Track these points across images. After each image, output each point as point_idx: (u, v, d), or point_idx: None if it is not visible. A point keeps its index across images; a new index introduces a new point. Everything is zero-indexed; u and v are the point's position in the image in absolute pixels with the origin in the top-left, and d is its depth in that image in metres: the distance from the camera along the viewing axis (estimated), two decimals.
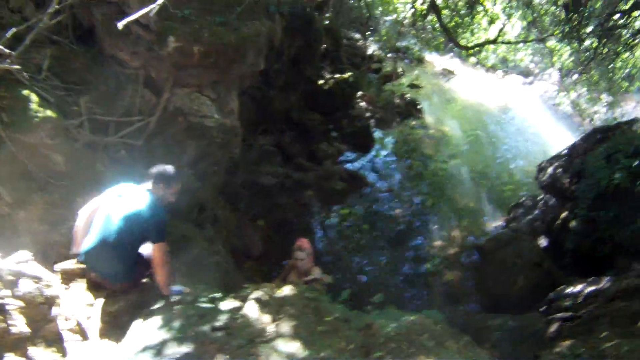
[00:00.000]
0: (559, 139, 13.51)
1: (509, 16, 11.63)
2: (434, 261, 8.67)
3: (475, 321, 6.41)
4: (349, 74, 12.93)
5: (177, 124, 6.15)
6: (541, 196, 9.49)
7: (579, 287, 6.11)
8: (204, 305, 3.76)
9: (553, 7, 10.59)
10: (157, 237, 3.79)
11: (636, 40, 9.26)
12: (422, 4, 11.68)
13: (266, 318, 3.45)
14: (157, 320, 3.51)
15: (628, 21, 8.58)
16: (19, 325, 3.20)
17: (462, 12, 11.45)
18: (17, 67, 4.65)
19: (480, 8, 11.31)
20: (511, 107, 16.04)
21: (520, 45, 13.72)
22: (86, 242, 3.91)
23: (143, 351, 3.15)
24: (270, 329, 3.31)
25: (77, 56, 5.79)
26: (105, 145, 5.59)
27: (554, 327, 5.48)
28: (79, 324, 3.75)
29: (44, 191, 4.73)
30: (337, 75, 12.77)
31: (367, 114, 13.38)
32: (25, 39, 4.85)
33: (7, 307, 3.21)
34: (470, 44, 12.56)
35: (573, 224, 7.53)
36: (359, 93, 13.68)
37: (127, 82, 6.02)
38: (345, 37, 16.48)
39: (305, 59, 10.96)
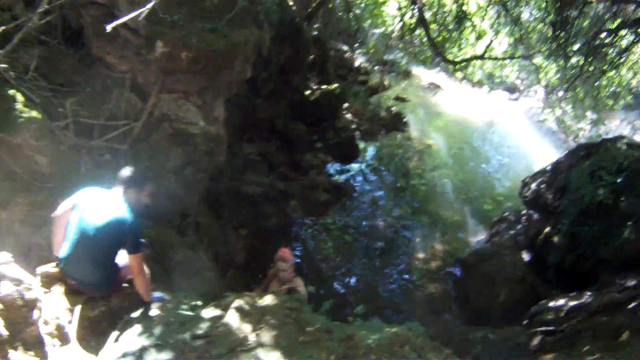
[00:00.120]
0: (544, 155, 13.65)
1: (497, 32, 11.74)
2: (417, 273, 8.70)
3: (457, 334, 6.41)
4: (336, 85, 12.96)
5: (162, 129, 6.12)
6: (524, 211, 9.57)
7: (561, 301, 6.15)
8: (185, 312, 3.72)
9: (541, 25, 10.74)
10: (133, 248, 3.70)
11: (622, 59, 9.39)
12: (410, 18, 11.75)
13: (247, 327, 3.42)
14: (137, 327, 3.47)
15: (614, 40, 8.71)
16: None
17: (450, 27, 11.54)
18: (4, 65, 4.61)
19: (468, 23, 11.41)
20: (496, 123, 16.21)
21: (507, 61, 13.84)
22: (63, 249, 3.81)
23: (123, 357, 3.12)
24: (251, 338, 3.28)
25: (65, 57, 5.76)
26: (90, 148, 5.54)
27: (536, 341, 5.50)
28: (59, 328, 3.68)
29: (27, 192, 4.67)
30: (323, 86, 12.80)
31: (353, 126, 13.44)
32: (14, 38, 4.81)
33: None
34: (457, 59, 12.66)
35: (556, 239, 7.58)
36: (345, 104, 13.73)
37: (114, 85, 5.99)
38: (333, 49, 16.54)
39: (293, 68, 10.99)
